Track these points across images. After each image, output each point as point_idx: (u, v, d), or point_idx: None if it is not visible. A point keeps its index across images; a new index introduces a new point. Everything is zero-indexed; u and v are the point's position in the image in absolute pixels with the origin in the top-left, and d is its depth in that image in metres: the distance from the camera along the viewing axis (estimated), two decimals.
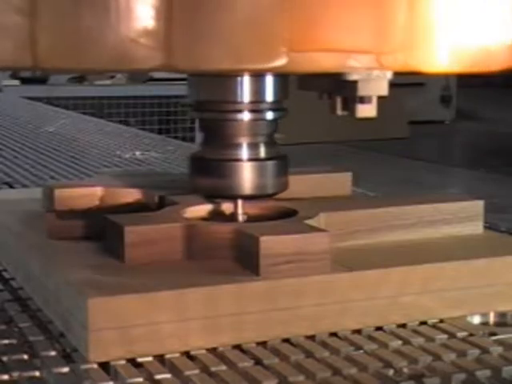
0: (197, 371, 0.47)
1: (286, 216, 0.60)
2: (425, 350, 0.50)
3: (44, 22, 0.47)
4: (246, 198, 0.60)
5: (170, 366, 0.48)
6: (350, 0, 0.50)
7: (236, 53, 0.49)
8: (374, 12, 0.51)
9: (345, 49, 0.51)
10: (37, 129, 1.63)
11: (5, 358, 0.49)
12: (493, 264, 0.57)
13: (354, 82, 0.54)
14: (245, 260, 0.54)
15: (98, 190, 0.66)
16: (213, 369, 0.47)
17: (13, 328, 0.53)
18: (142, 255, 0.55)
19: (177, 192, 0.65)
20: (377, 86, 0.54)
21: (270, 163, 0.60)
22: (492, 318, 0.57)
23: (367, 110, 0.55)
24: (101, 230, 0.58)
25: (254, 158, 0.59)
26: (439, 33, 0.52)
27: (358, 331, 0.53)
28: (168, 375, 0.47)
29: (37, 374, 0.47)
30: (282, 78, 0.59)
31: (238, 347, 0.50)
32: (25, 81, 3.62)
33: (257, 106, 0.58)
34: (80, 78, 4.01)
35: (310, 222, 0.58)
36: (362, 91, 0.54)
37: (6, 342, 0.51)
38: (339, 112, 0.57)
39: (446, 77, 6.22)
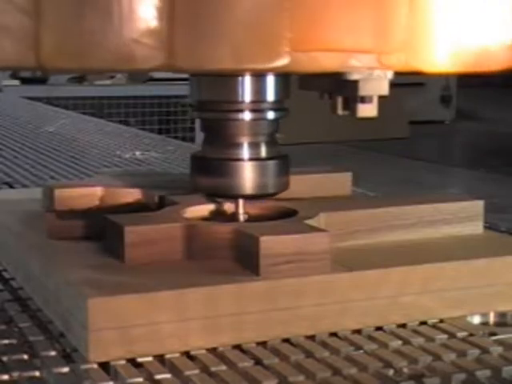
0: (197, 371, 0.47)
1: (286, 216, 0.60)
2: (425, 349, 0.50)
3: (47, 22, 0.47)
4: (247, 198, 0.60)
5: (170, 366, 0.48)
6: (351, 0, 0.50)
7: (237, 53, 0.49)
8: (375, 12, 0.51)
9: (346, 48, 0.51)
10: (37, 129, 1.63)
11: (5, 358, 0.49)
12: (493, 264, 0.57)
13: (355, 82, 0.54)
14: (245, 260, 0.54)
15: (98, 190, 0.66)
16: (213, 369, 0.47)
17: (13, 328, 0.53)
18: (142, 255, 0.55)
19: (177, 192, 0.65)
20: (377, 85, 0.54)
21: (271, 163, 0.60)
22: (492, 318, 0.57)
23: (368, 110, 0.55)
24: (101, 229, 0.58)
25: (255, 158, 0.59)
26: (440, 33, 0.52)
27: (358, 331, 0.53)
28: (168, 375, 0.47)
29: (37, 374, 0.47)
30: (283, 77, 0.59)
31: (238, 347, 0.50)
32: (25, 81, 3.62)
33: (258, 105, 0.58)
34: (80, 78, 4.01)
35: (310, 221, 0.58)
36: (362, 91, 0.54)
37: (5, 342, 0.51)
38: (340, 112, 0.57)
39: (445, 77, 6.22)
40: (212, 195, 0.62)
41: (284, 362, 0.48)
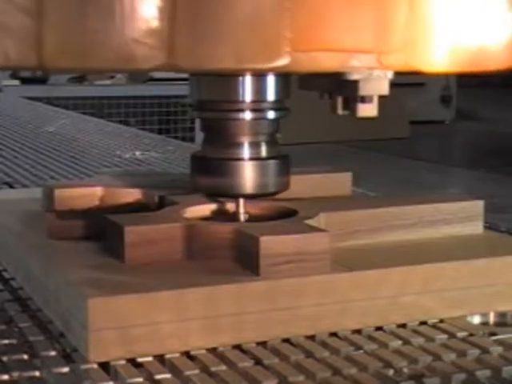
0: (197, 371, 0.47)
1: (286, 216, 0.60)
2: (425, 349, 0.50)
3: (49, 21, 0.47)
4: (248, 197, 0.60)
5: (170, 366, 0.48)
6: (351, 0, 0.50)
7: (238, 52, 0.49)
8: (374, 12, 0.51)
9: (346, 48, 0.51)
10: (37, 129, 1.63)
11: (5, 358, 0.49)
12: (493, 264, 0.57)
13: (355, 82, 0.54)
14: (245, 260, 0.54)
15: (98, 190, 0.66)
16: (213, 369, 0.47)
17: (13, 328, 0.53)
18: (142, 255, 0.55)
19: (177, 192, 0.65)
20: (377, 85, 0.54)
21: (272, 162, 0.60)
22: (492, 318, 0.57)
23: (368, 110, 0.55)
24: (101, 229, 0.58)
25: (256, 157, 0.59)
26: (439, 33, 0.52)
27: (358, 331, 0.53)
28: (168, 375, 0.47)
29: (37, 374, 0.47)
30: (283, 77, 0.59)
31: (238, 347, 0.50)
32: (25, 81, 3.62)
33: (258, 105, 0.58)
34: (80, 78, 4.01)
35: (310, 221, 0.58)
36: (362, 91, 0.54)
37: (5, 342, 0.51)
38: (340, 112, 0.57)
39: (446, 77, 6.22)
40: (212, 195, 0.62)
41: (284, 362, 0.48)
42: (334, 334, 0.53)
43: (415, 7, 0.51)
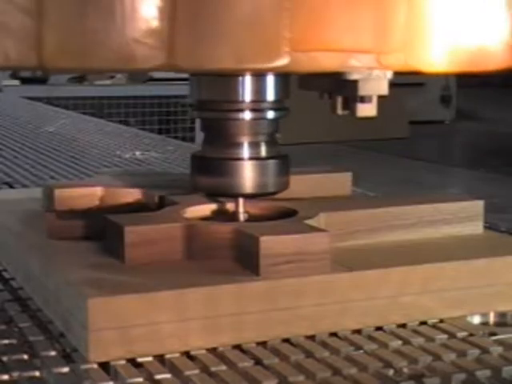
0: (197, 371, 0.47)
1: (286, 216, 0.60)
2: (425, 350, 0.50)
3: (49, 21, 0.47)
4: (247, 197, 0.60)
5: (170, 366, 0.48)
6: (350, 0, 0.50)
7: (238, 52, 0.49)
8: (374, 12, 0.51)
9: (346, 48, 0.51)
10: (37, 129, 1.63)
11: (5, 358, 0.49)
12: (493, 264, 0.57)
13: (355, 82, 0.54)
14: (245, 260, 0.54)
15: (98, 190, 0.66)
16: (213, 369, 0.47)
17: (13, 328, 0.53)
18: (142, 255, 0.55)
19: (177, 192, 0.65)
20: (377, 85, 0.54)
21: (271, 162, 0.60)
22: (492, 318, 0.57)
23: (367, 110, 0.55)
24: (101, 229, 0.58)
25: (256, 157, 0.59)
26: (438, 33, 0.52)
27: (358, 331, 0.53)
28: (168, 375, 0.47)
29: (37, 374, 0.47)
30: (283, 77, 0.59)
31: (238, 347, 0.50)
32: (25, 81, 3.62)
33: (258, 105, 0.58)
34: (80, 78, 4.00)
35: (310, 221, 0.58)
36: (362, 91, 0.54)
37: (5, 341, 0.51)
38: (340, 111, 0.57)
39: (446, 77, 6.22)
40: (212, 194, 0.62)
41: (284, 362, 0.48)
42: (334, 334, 0.53)
43: (414, 7, 0.52)
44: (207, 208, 0.63)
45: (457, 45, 0.53)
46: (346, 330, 0.53)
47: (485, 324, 0.56)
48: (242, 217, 0.60)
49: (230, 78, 0.57)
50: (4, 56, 0.48)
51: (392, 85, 0.55)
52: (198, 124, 3.26)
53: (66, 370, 0.47)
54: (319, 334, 0.52)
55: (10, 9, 0.47)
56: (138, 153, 1.29)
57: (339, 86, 0.55)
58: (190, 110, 0.61)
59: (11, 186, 1.00)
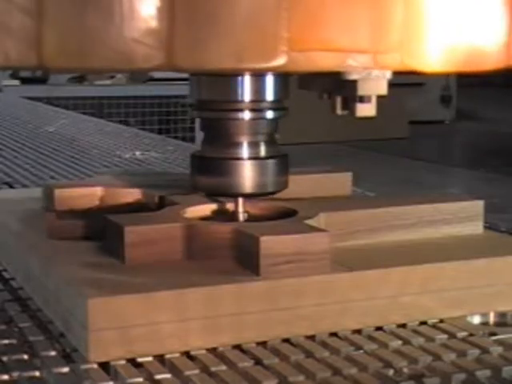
0: (197, 371, 0.47)
1: (286, 216, 0.60)
2: (425, 350, 0.50)
3: (49, 21, 0.47)
4: (247, 196, 0.60)
5: (170, 366, 0.48)
6: (347, 0, 0.50)
7: (236, 52, 0.49)
8: (370, 12, 0.51)
9: (343, 48, 0.51)
10: (37, 129, 1.63)
11: (5, 358, 0.49)
12: (493, 264, 0.57)
13: (354, 82, 0.54)
14: (245, 260, 0.54)
15: (98, 190, 0.66)
16: (213, 369, 0.47)
17: (13, 328, 0.53)
18: (142, 255, 0.55)
19: (177, 192, 0.66)
20: (376, 85, 0.54)
21: (271, 162, 0.60)
22: (492, 318, 0.57)
23: (367, 110, 0.55)
24: (101, 229, 0.58)
25: (255, 157, 0.59)
26: (435, 32, 0.52)
27: (358, 331, 0.53)
28: (168, 375, 0.47)
29: (37, 374, 0.47)
30: (282, 77, 0.59)
31: (238, 347, 0.50)
32: (25, 81, 3.62)
33: (257, 105, 0.58)
34: (80, 78, 4.00)
35: (310, 221, 0.58)
36: (361, 91, 0.54)
37: (5, 342, 0.51)
38: (339, 111, 0.57)
39: (446, 77, 6.22)
40: (211, 194, 0.62)
41: (284, 362, 0.48)
42: (334, 334, 0.53)
43: (411, 7, 0.52)
44: (207, 208, 0.63)
45: (453, 44, 0.53)
46: (346, 330, 0.53)
47: (485, 324, 0.56)
48: (241, 217, 0.60)
49: (229, 77, 0.57)
50: (4, 56, 0.48)
51: (392, 85, 0.55)
52: (197, 124, 3.26)
53: (66, 369, 0.47)
54: (319, 333, 0.52)
55: (9, 9, 0.47)
56: (138, 153, 1.29)
57: (338, 86, 0.55)
58: (190, 110, 0.61)
59: (11, 186, 1.00)
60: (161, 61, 0.48)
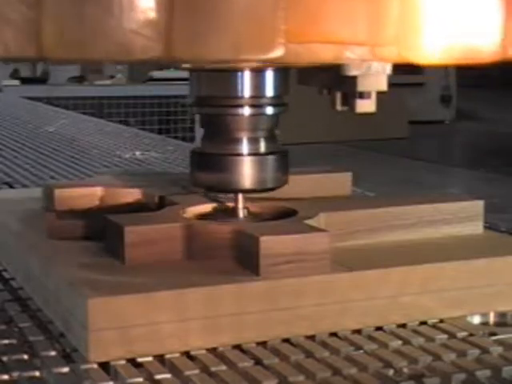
0: (197, 371, 0.47)
1: (286, 216, 0.60)
2: (425, 350, 0.50)
3: (48, 12, 0.47)
4: (247, 192, 0.60)
5: (170, 366, 0.48)
6: None
7: (235, 44, 0.49)
8: (368, 4, 0.51)
9: (341, 40, 0.51)
10: (37, 129, 1.63)
11: (5, 358, 0.49)
12: (493, 264, 0.57)
13: (354, 78, 0.54)
14: (245, 260, 0.54)
15: (98, 190, 0.66)
16: (213, 369, 0.47)
17: (13, 328, 0.53)
18: (142, 255, 0.55)
19: (177, 192, 0.65)
20: (376, 81, 0.54)
21: (271, 158, 0.60)
22: (492, 318, 0.57)
23: (366, 105, 0.55)
24: (101, 229, 0.58)
25: (255, 153, 0.59)
26: (432, 25, 0.52)
27: (358, 331, 0.53)
28: (168, 375, 0.47)
29: (37, 374, 0.47)
30: (282, 72, 0.59)
31: (238, 347, 0.50)
32: (25, 81, 3.62)
33: (257, 100, 0.58)
34: (80, 78, 4.01)
35: (309, 221, 0.58)
36: (361, 86, 0.54)
37: (5, 341, 0.51)
38: (339, 107, 0.57)
39: (446, 77, 6.23)
40: (211, 190, 0.62)
41: (284, 362, 0.48)
42: (334, 334, 0.53)
43: (408, 0, 0.52)
44: (207, 208, 0.63)
45: (450, 37, 0.53)
46: (346, 330, 0.53)
47: (485, 324, 0.56)
48: (241, 213, 0.60)
49: (229, 73, 0.57)
50: (3, 47, 0.48)
51: (392, 85, 0.55)
52: (197, 124, 3.26)
53: (66, 369, 0.47)
54: (319, 333, 0.52)
55: (9, 0, 0.47)
56: (138, 153, 1.29)
57: (338, 82, 0.55)
58: (190, 106, 0.61)
59: (11, 186, 1.00)
60: (159, 52, 0.48)
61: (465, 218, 0.64)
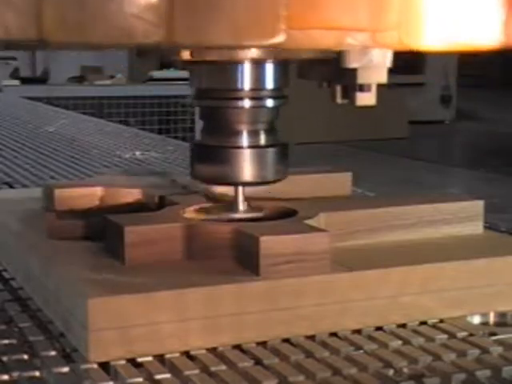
0: (197, 371, 0.47)
1: (286, 216, 0.60)
2: (425, 350, 0.50)
3: None
4: (246, 185, 0.60)
5: (170, 366, 0.48)
6: None
7: (236, 29, 0.49)
8: None
9: (342, 26, 0.50)
10: (37, 129, 1.63)
11: (5, 358, 0.49)
12: (493, 264, 0.57)
13: (354, 70, 0.54)
14: (245, 260, 0.54)
15: (98, 190, 0.66)
16: (213, 369, 0.47)
17: (13, 328, 0.53)
18: (142, 255, 0.55)
19: (177, 192, 0.65)
20: (376, 73, 0.54)
21: (271, 150, 0.60)
22: (492, 318, 0.57)
23: (366, 98, 0.55)
24: (101, 229, 0.58)
25: (255, 145, 0.59)
26: (433, 11, 0.52)
27: (358, 331, 0.53)
28: (168, 375, 0.47)
29: (37, 374, 0.47)
30: (282, 65, 0.59)
31: (238, 347, 0.50)
32: (25, 81, 3.62)
33: (257, 93, 0.58)
34: (80, 78, 4.01)
35: (309, 221, 0.58)
36: (361, 79, 0.54)
37: (5, 342, 0.51)
38: (339, 100, 0.57)
39: (445, 77, 6.23)
40: (211, 183, 0.62)
41: (284, 362, 0.48)
42: (334, 334, 0.53)
43: None
44: (207, 208, 0.63)
45: (451, 24, 0.53)
46: (346, 330, 0.53)
47: (485, 324, 0.56)
48: (241, 206, 0.60)
49: (229, 66, 0.57)
50: (4, 29, 0.47)
51: (392, 85, 0.55)
52: (198, 124, 3.27)
53: (66, 369, 0.47)
54: (319, 333, 0.52)
55: None
56: (138, 153, 1.29)
57: (338, 75, 0.55)
58: (191, 99, 0.61)
59: (11, 186, 1.00)
60: (160, 37, 0.48)
61: (465, 218, 0.64)
